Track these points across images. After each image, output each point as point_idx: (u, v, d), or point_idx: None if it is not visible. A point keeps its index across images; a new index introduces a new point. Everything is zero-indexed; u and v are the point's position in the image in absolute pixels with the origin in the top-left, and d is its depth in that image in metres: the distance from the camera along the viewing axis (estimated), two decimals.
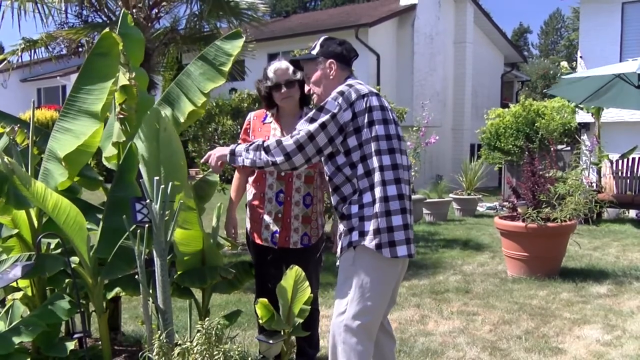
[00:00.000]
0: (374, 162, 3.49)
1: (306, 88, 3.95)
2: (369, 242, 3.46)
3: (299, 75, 4.38)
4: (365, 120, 3.52)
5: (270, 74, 4.46)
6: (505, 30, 32.75)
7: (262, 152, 3.57)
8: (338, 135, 3.52)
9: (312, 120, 3.54)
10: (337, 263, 3.75)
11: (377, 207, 3.46)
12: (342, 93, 3.55)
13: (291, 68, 4.45)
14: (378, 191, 3.47)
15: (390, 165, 3.51)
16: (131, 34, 4.61)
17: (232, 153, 3.70)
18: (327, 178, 3.76)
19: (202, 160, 3.92)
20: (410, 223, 3.60)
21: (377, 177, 3.48)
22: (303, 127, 3.55)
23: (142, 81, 4.66)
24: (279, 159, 3.54)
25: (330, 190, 3.73)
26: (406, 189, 3.60)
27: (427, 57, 23.57)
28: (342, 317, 3.56)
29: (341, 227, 3.68)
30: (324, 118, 3.49)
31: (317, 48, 3.81)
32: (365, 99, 3.55)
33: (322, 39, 3.87)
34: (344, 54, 3.78)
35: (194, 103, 4.51)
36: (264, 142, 3.60)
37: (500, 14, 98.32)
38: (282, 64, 4.49)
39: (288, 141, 3.52)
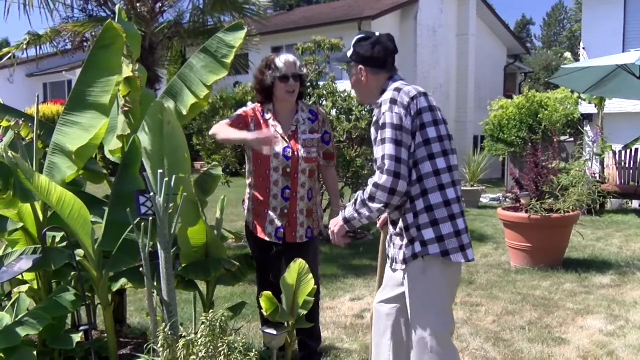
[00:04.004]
0: (428, 166, 3.35)
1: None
2: (434, 250, 3.35)
3: (304, 70, 4.40)
4: (417, 123, 3.37)
5: (280, 64, 4.41)
6: (508, 22, 32.70)
7: (370, 203, 3.35)
8: (412, 141, 3.35)
9: (383, 141, 3.33)
10: (393, 271, 3.63)
11: (438, 213, 3.35)
12: (394, 101, 3.37)
13: (298, 62, 4.48)
14: (437, 196, 3.35)
15: (445, 168, 3.39)
16: (127, 29, 4.61)
17: (346, 221, 3.53)
18: None
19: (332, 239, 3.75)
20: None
21: (433, 182, 3.35)
22: (384, 153, 3.30)
23: (142, 77, 4.68)
24: (387, 198, 3.29)
25: None
26: (460, 191, 3.51)
27: (430, 49, 23.54)
28: (423, 328, 3.46)
29: (397, 239, 3.52)
30: (393, 134, 3.30)
31: (351, 50, 3.63)
32: (415, 101, 3.39)
33: (355, 39, 3.64)
34: (375, 57, 3.57)
35: (196, 96, 4.51)
36: (364, 192, 3.38)
37: (503, 6, 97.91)
38: (289, 57, 4.49)
39: (383, 178, 3.27)
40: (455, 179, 3.45)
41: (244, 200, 4.68)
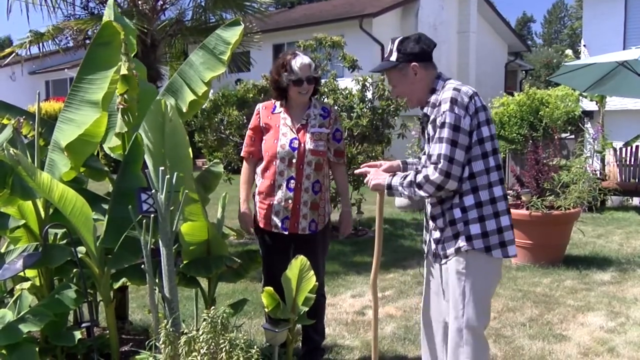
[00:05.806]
0: (481, 164, 3.45)
1: (395, 92, 3.79)
2: (478, 245, 3.46)
3: (319, 72, 4.49)
4: (475, 122, 3.44)
5: (296, 68, 4.48)
6: (509, 19, 32.66)
7: (416, 189, 3.48)
8: (470, 142, 3.43)
9: (440, 140, 3.41)
10: (426, 267, 3.81)
11: (485, 210, 3.46)
12: (454, 101, 3.40)
13: (313, 65, 4.55)
14: (486, 193, 3.46)
15: (495, 167, 3.49)
16: (122, 24, 4.60)
17: (389, 187, 3.64)
18: None
19: (357, 172, 4.06)
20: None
21: (484, 179, 3.46)
22: (440, 152, 3.40)
23: (141, 72, 4.68)
24: (433, 192, 3.45)
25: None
26: (505, 189, 3.58)
27: None
28: (460, 320, 3.54)
29: (437, 233, 3.63)
30: (451, 134, 3.38)
31: (395, 53, 3.61)
32: (473, 100, 3.44)
33: (396, 42, 3.64)
34: (423, 50, 3.59)
35: (195, 93, 4.53)
36: (415, 176, 3.50)
37: (504, 3, 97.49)
38: (304, 59, 4.55)
39: (434, 175, 3.39)
40: (502, 177, 3.54)
41: (253, 194, 4.72)
